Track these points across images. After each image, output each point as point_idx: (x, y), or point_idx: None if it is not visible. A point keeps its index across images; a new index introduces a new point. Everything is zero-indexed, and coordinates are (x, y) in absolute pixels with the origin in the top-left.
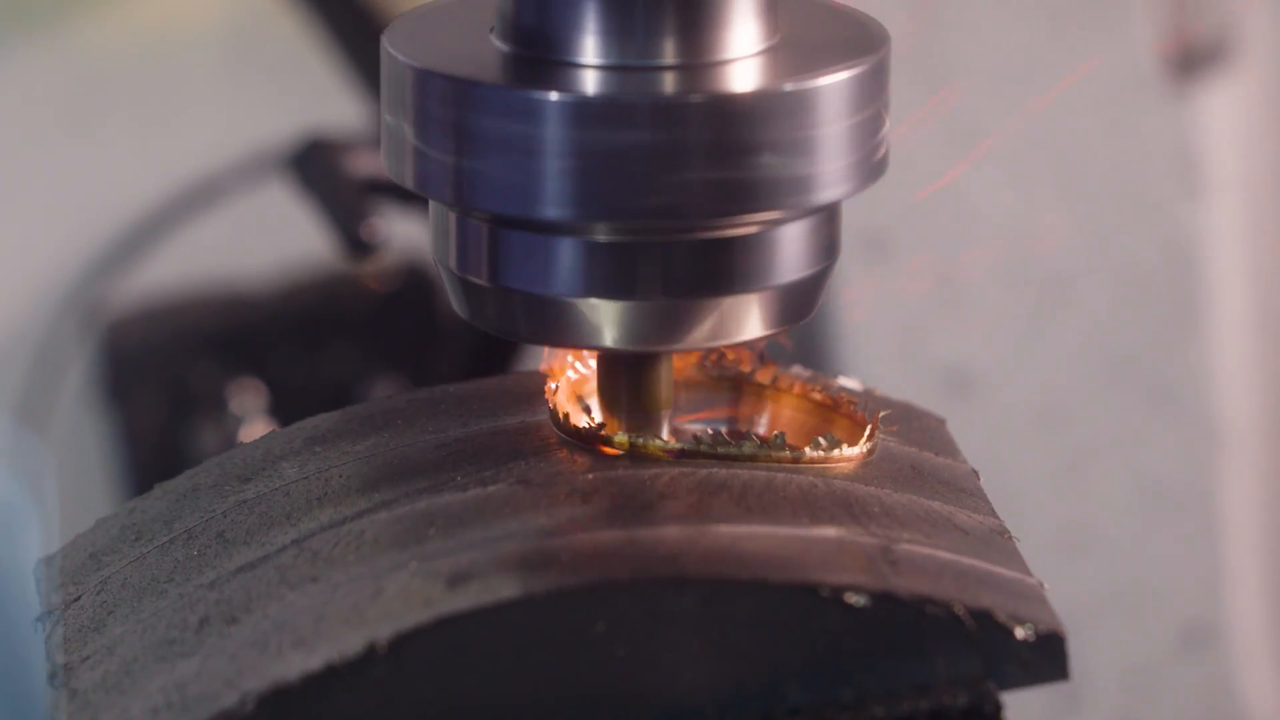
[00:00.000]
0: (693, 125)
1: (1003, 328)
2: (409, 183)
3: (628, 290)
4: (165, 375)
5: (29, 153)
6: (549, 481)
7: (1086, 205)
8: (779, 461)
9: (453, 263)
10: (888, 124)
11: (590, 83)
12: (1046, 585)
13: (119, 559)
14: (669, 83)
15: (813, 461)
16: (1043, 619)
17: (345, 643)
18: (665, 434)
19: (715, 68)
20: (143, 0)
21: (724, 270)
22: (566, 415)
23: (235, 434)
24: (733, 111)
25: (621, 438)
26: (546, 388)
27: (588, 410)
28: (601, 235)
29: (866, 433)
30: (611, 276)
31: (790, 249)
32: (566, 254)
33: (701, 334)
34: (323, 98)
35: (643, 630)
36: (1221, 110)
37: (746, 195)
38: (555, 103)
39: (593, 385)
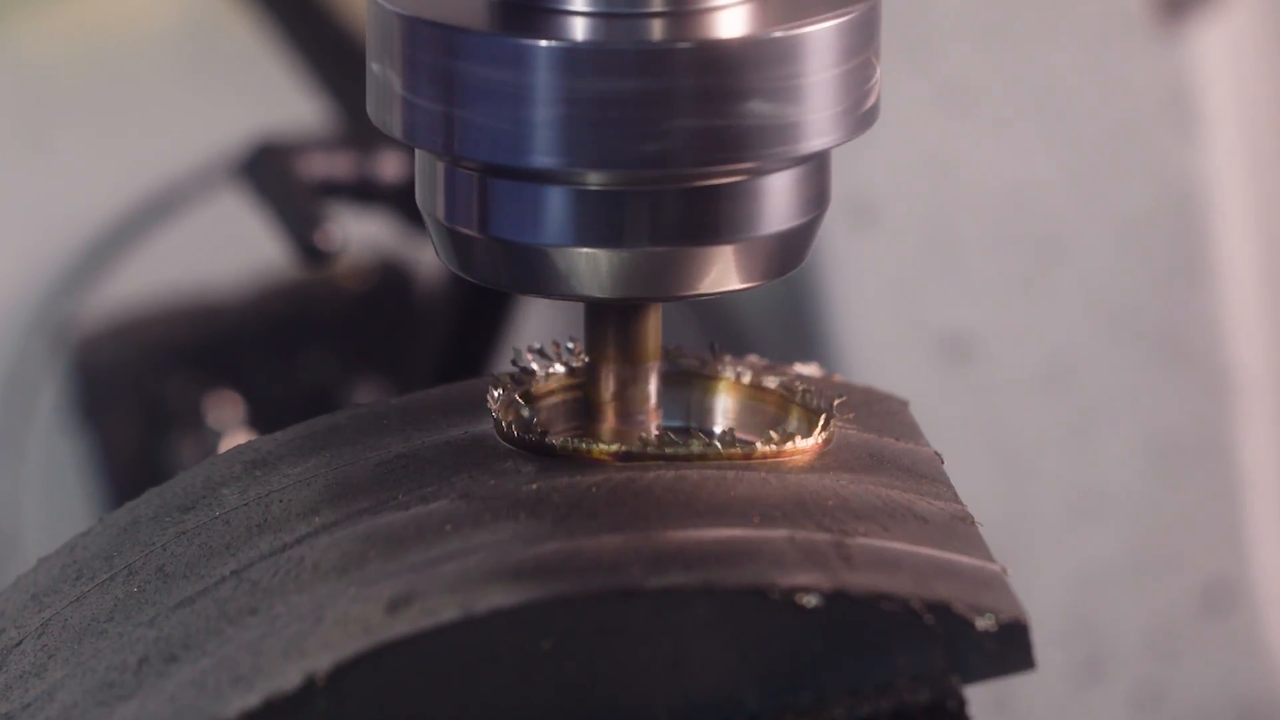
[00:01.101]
0: (680, 72)
1: (999, 288)
2: (396, 132)
3: (615, 239)
4: (139, 392)
5: None
6: (492, 495)
7: (1079, 155)
8: (730, 459)
9: (440, 213)
10: (878, 72)
11: (578, 30)
12: (1009, 571)
13: (60, 599)
14: (656, 29)
15: (765, 456)
16: (1004, 607)
17: (284, 676)
18: (653, 389)
19: (703, 14)
20: (88, 2)
21: (712, 219)
22: (510, 424)
23: (215, 448)
24: (720, 58)
25: (565, 443)
26: (489, 395)
27: (531, 417)
28: (589, 184)
29: (821, 422)
30: (599, 225)
31: (779, 198)
32: (555, 203)
33: (689, 283)
34: (282, 98)
35: (591, 644)
36: (1214, 49)
37: (734, 143)
38: (543, 49)
39: (538, 388)
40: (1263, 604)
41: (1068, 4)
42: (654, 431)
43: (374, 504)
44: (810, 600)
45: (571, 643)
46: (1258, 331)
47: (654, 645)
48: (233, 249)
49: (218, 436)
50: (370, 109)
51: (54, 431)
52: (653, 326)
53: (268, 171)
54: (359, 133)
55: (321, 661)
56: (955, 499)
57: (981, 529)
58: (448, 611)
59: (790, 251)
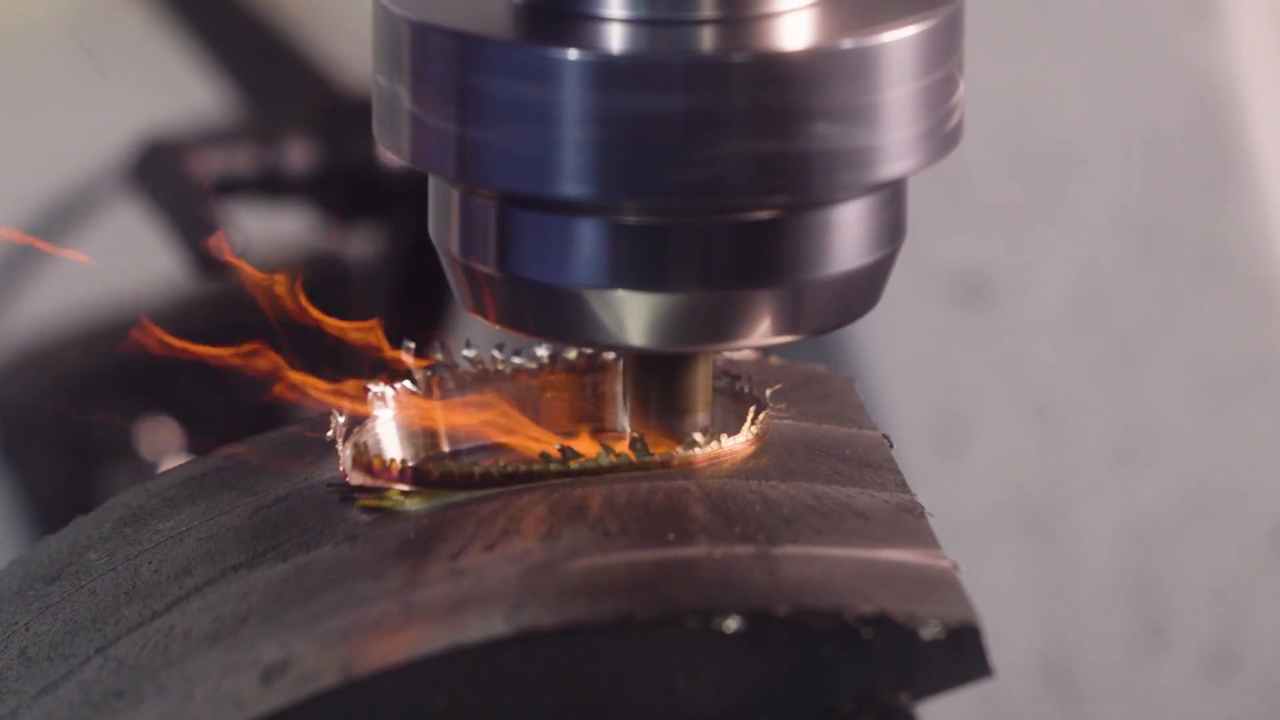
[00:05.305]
0: (735, 88)
1: (1013, 216)
2: (405, 155)
3: (658, 281)
4: (61, 426)
5: None
6: (379, 535)
7: (1087, 57)
8: (646, 468)
9: (455, 248)
10: (961, 87)
11: (615, 39)
12: (961, 566)
13: None
14: (707, 39)
15: (688, 462)
16: (953, 611)
17: None
18: (699, 436)
19: (761, 21)
20: None
21: (771, 258)
22: (355, 471)
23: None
24: (781, 73)
25: (446, 469)
26: (335, 424)
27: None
28: (628, 216)
29: (750, 417)
30: (640, 264)
31: (848, 233)
32: (587, 238)
33: (744, 332)
34: (178, 87)
35: (487, 698)
36: None
37: (797, 170)
38: (574, 62)
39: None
40: None
41: None
42: (557, 446)
43: (251, 556)
44: (730, 625)
45: (464, 697)
46: None
47: (557, 693)
48: (147, 257)
49: (154, 467)
50: (375, 127)
51: None
52: (703, 379)
53: (158, 174)
54: (262, 121)
55: None
56: (901, 487)
57: (932, 520)
58: (327, 676)
59: (862, 293)
